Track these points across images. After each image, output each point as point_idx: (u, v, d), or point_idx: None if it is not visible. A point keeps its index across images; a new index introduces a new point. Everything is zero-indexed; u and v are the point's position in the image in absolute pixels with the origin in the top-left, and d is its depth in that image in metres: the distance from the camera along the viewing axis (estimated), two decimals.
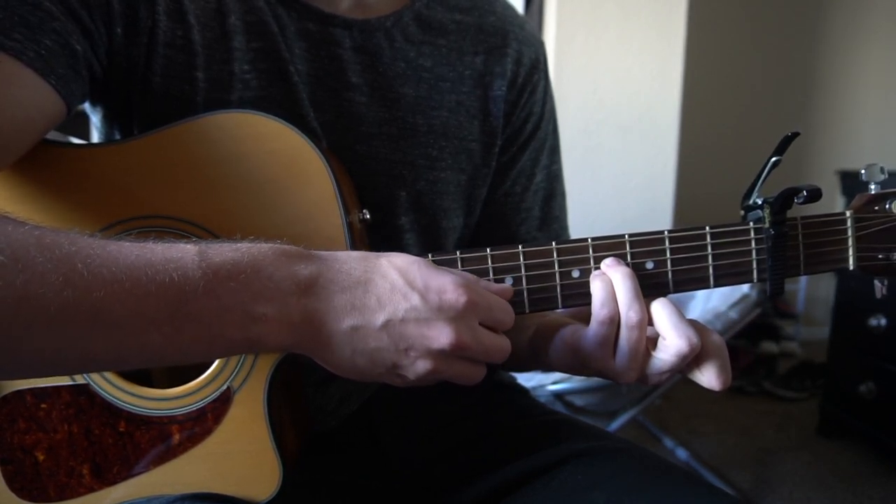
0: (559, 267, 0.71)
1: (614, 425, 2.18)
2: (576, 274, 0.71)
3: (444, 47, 0.90)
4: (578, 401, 2.07)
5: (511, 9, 0.98)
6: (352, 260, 0.61)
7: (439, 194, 0.90)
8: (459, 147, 0.91)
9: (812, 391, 3.25)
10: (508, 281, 0.71)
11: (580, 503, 0.76)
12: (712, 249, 0.72)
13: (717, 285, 0.73)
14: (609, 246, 0.71)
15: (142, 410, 0.72)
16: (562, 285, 0.72)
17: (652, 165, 2.91)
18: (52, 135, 0.71)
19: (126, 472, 0.73)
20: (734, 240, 0.73)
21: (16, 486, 0.73)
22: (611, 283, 0.69)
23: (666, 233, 0.72)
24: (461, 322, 0.60)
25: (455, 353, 0.61)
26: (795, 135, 0.72)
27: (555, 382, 1.99)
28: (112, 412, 0.72)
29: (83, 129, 1.27)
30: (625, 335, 0.69)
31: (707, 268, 0.73)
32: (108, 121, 0.81)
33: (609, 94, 2.86)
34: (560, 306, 0.72)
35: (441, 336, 0.59)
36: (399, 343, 0.59)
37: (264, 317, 0.56)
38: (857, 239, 0.75)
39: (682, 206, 3.00)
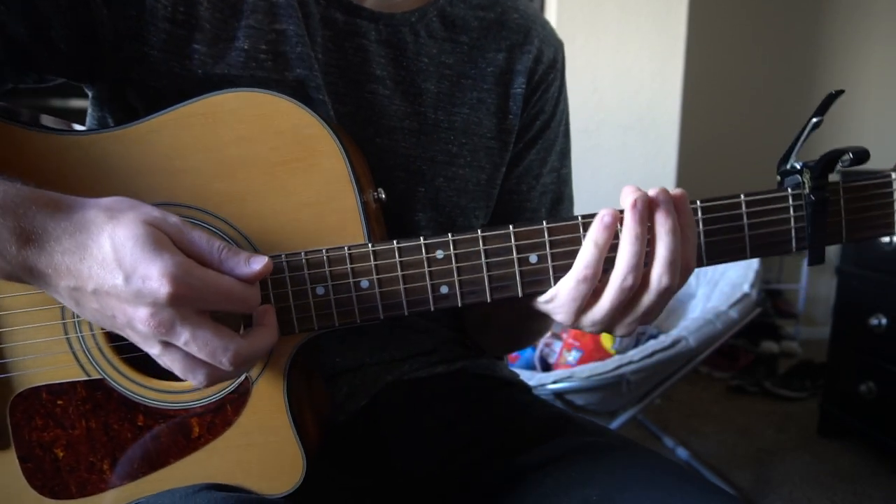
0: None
1: (614, 424, 2.18)
2: None
3: (466, 45, 0.90)
4: (579, 400, 2.07)
5: (533, 7, 0.98)
6: (82, 219, 0.60)
7: (457, 192, 0.90)
8: (479, 145, 0.91)
9: (812, 391, 3.26)
10: (533, 259, 0.69)
11: (574, 499, 0.76)
12: (748, 219, 0.69)
13: (753, 256, 0.70)
14: None
15: (159, 404, 0.72)
16: None
17: (652, 165, 2.92)
18: (54, 122, 0.71)
19: (147, 466, 0.72)
20: (771, 207, 0.69)
21: (37, 484, 0.72)
22: (605, 244, 0.67)
23: (699, 203, 0.69)
24: (163, 310, 0.58)
25: (159, 338, 0.60)
26: (840, 92, 0.68)
27: (555, 382, 1.99)
28: (129, 406, 0.72)
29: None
30: (612, 293, 0.67)
31: (743, 238, 0.70)
32: (103, 104, 0.82)
33: (609, 94, 2.86)
34: None
35: (137, 318, 0.59)
36: (106, 311, 0.60)
37: None
38: None
39: None
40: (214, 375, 0.63)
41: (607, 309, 0.69)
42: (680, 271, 0.68)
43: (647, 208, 0.66)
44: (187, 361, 0.62)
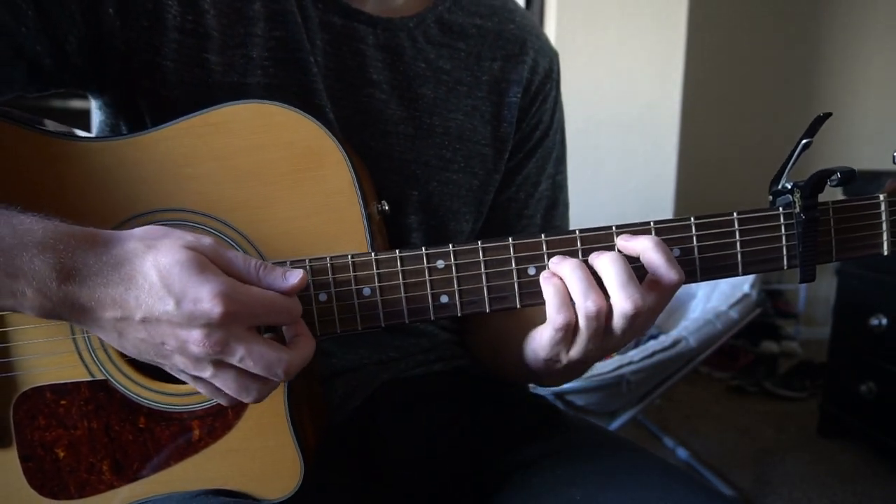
0: (583, 256, 0.70)
1: (614, 425, 2.19)
2: None
3: (463, 51, 0.91)
4: (579, 400, 2.08)
5: (529, 17, 0.99)
6: (122, 251, 0.61)
7: (450, 196, 0.91)
8: (472, 151, 0.92)
9: (812, 391, 3.26)
10: (531, 271, 0.70)
11: (558, 498, 0.77)
12: (740, 236, 0.71)
13: (745, 272, 0.72)
14: (634, 233, 0.70)
15: (161, 406, 0.72)
16: None
17: (652, 165, 2.92)
18: (55, 127, 0.71)
19: (146, 468, 0.73)
20: (763, 226, 0.71)
21: (36, 483, 0.73)
22: (563, 284, 0.68)
23: (692, 219, 0.70)
24: (216, 330, 0.59)
25: (215, 359, 0.61)
26: (828, 115, 0.70)
27: None
28: (132, 408, 0.72)
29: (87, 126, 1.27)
30: (584, 324, 0.68)
31: (735, 255, 0.71)
32: (114, 111, 0.82)
33: (609, 94, 2.87)
34: None
35: (191, 340, 0.59)
36: (156, 338, 0.60)
37: (22, 293, 0.59)
38: (892, 223, 0.73)
39: (683, 206, 3.01)
40: (266, 390, 0.64)
41: (585, 339, 0.70)
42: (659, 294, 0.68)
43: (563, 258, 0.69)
44: (241, 380, 0.62)
